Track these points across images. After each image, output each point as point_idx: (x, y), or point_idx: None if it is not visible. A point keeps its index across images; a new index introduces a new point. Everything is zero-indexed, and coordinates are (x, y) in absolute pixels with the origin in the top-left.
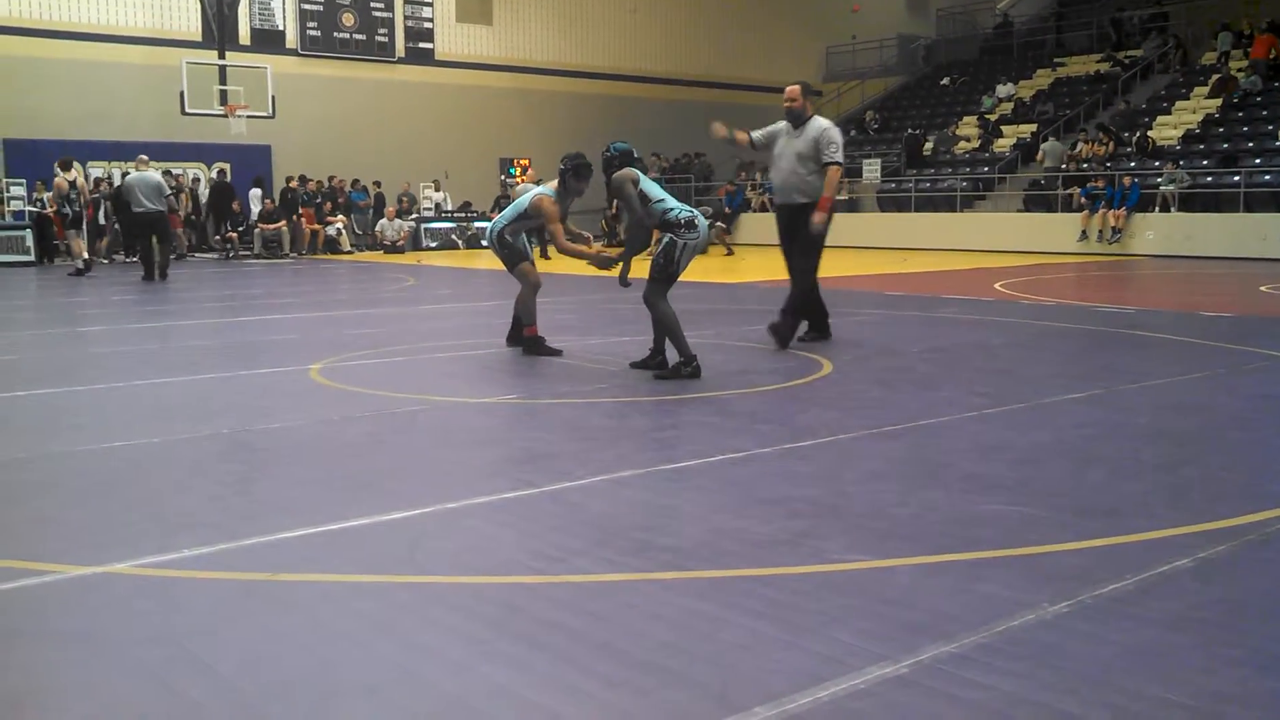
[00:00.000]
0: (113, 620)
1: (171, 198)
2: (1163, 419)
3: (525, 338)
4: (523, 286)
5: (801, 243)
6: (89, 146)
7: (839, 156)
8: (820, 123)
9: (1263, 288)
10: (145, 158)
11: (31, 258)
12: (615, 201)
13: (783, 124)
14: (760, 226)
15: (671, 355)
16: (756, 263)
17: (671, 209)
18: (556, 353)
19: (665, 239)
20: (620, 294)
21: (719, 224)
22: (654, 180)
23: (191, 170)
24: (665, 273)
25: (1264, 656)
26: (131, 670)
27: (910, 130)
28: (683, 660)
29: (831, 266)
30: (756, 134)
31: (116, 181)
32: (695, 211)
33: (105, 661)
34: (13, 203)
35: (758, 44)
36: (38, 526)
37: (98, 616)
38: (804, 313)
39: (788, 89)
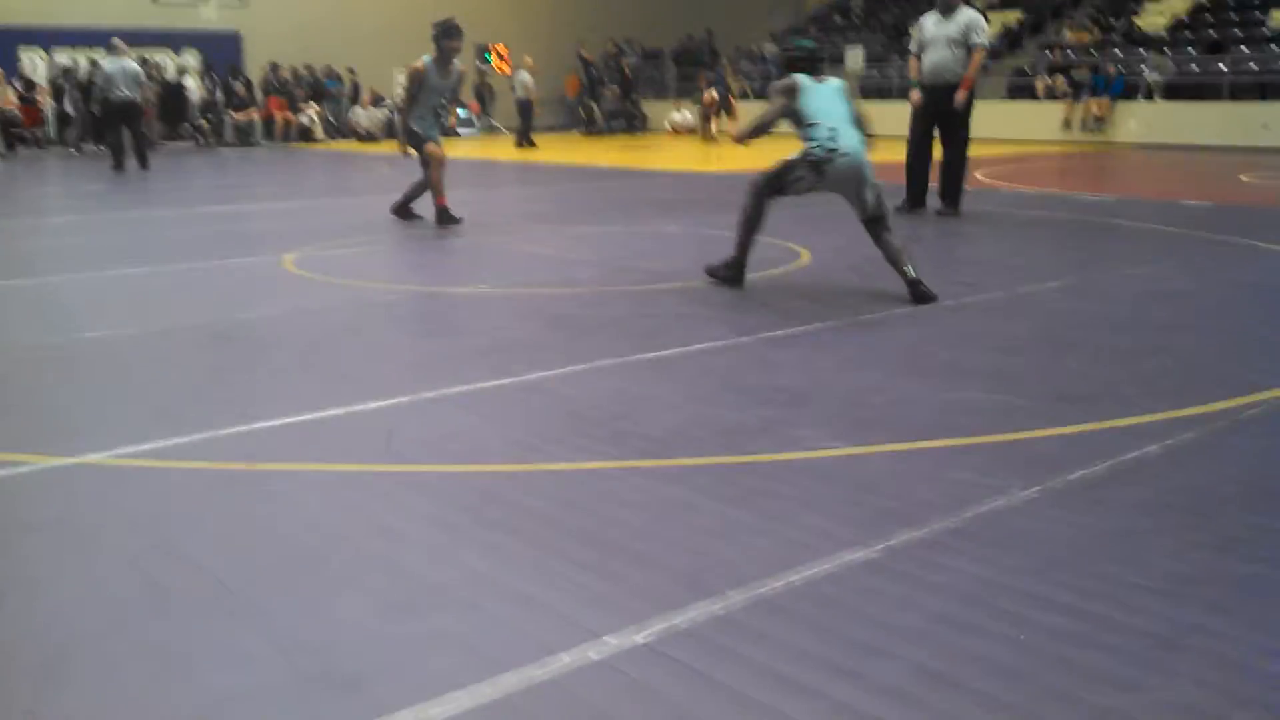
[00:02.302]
0: (88, 510)
1: (146, 86)
2: (1139, 307)
3: (437, 208)
4: (431, 164)
5: (954, 119)
6: (54, 32)
7: (985, 40)
8: (969, 11)
9: (1243, 177)
10: (120, 43)
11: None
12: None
13: (929, 17)
14: (745, 116)
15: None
16: (738, 152)
17: (814, 142)
18: (457, 220)
19: (795, 156)
20: (606, 182)
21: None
22: (836, 93)
23: (161, 57)
24: (768, 177)
25: (1227, 540)
26: (108, 558)
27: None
28: (656, 545)
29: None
30: (912, 48)
31: (84, 68)
32: (848, 150)
33: (81, 550)
34: None
35: None
36: (10, 418)
37: (73, 506)
38: (960, 181)
39: None
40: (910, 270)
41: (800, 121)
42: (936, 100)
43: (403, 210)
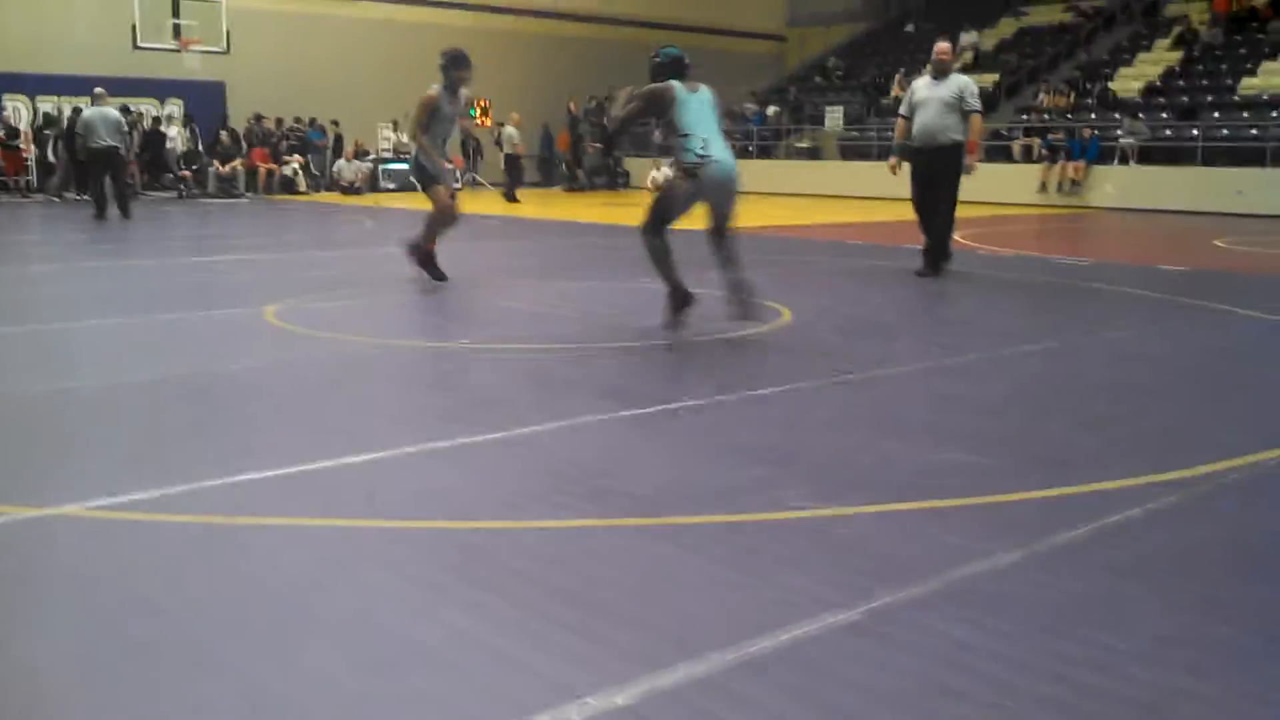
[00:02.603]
0: (62, 563)
1: (127, 134)
2: (1117, 371)
3: (422, 250)
4: (434, 206)
5: (944, 181)
6: (40, 80)
7: (979, 105)
8: (961, 77)
9: (1217, 242)
10: (102, 91)
11: None
12: (581, 140)
13: (921, 80)
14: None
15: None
16: None
17: (688, 151)
18: (443, 277)
19: (669, 181)
20: (588, 237)
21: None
22: (706, 104)
23: (144, 106)
24: (653, 215)
25: (1211, 602)
26: (81, 612)
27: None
28: (640, 605)
29: (791, 215)
30: (903, 111)
31: (68, 116)
32: (719, 158)
33: (54, 604)
34: None
35: None
36: None
37: (47, 559)
38: (945, 247)
39: (938, 46)
40: (743, 281)
41: (674, 131)
42: (929, 161)
43: (428, 264)
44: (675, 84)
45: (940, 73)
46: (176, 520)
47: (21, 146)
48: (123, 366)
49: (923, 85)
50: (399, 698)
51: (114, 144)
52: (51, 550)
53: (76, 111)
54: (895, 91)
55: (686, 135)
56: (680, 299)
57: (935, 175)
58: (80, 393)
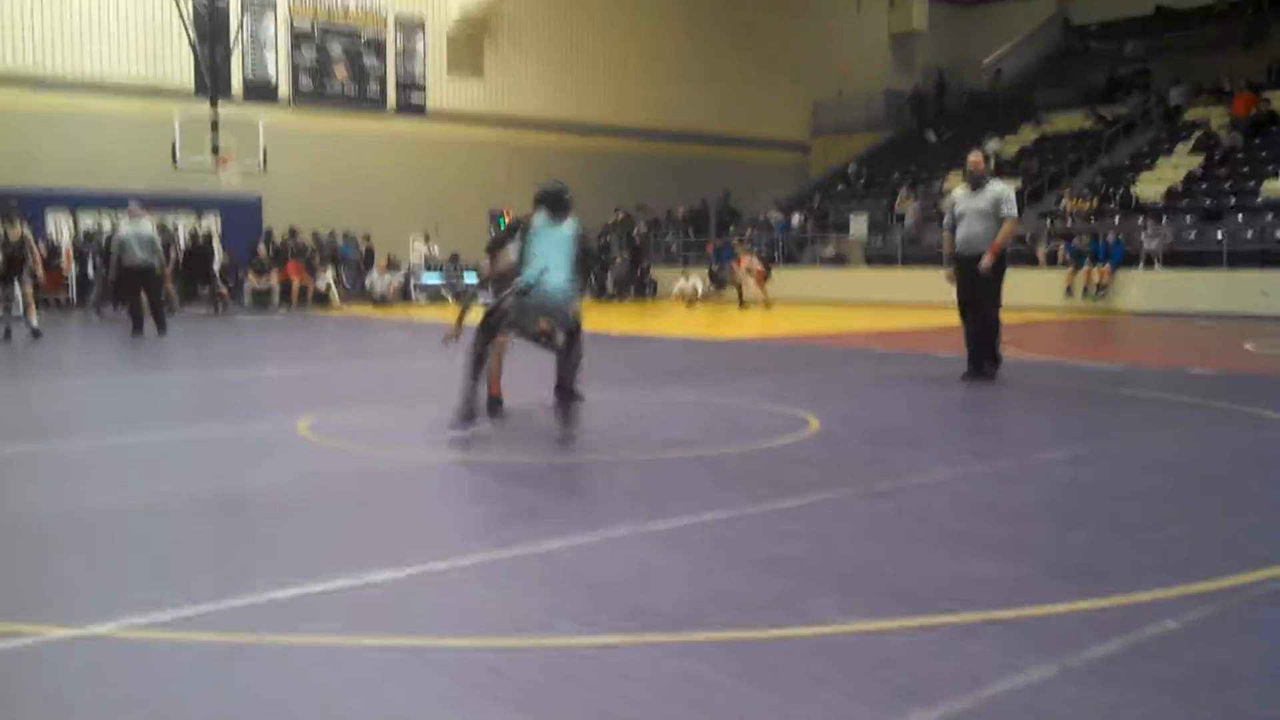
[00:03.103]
0: (93, 684)
1: (160, 250)
2: (1149, 478)
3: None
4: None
5: (985, 287)
6: (82, 196)
7: (1015, 211)
8: (997, 184)
9: (1246, 345)
10: (136, 206)
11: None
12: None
13: (959, 190)
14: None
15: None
16: (746, 317)
17: (526, 277)
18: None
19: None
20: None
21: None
22: (564, 240)
23: (182, 221)
24: (485, 320)
25: (1248, 719)
26: None
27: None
28: None
29: (817, 322)
30: (945, 223)
31: (108, 231)
32: (549, 286)
33: None
34: None
35: (746, 99)
36: (16, 587)
37: (78, 680)
38: (988, 348)
39: (971, 157)
40: (575, 385)
41: (524, 259)
42: (970, 270)
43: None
44: (537, 216)
45: (976, 183)
46: (206, 640)
47: (62, 263)
48: (153, 481)
49: (961, 196)
50: None
51: (149, 260)
52: (78, 672)
53: (113, 229)
54: (900, 203)
55: (531, 260)
56: (469, 409)
57: (977, 283)
58: (110, 510)
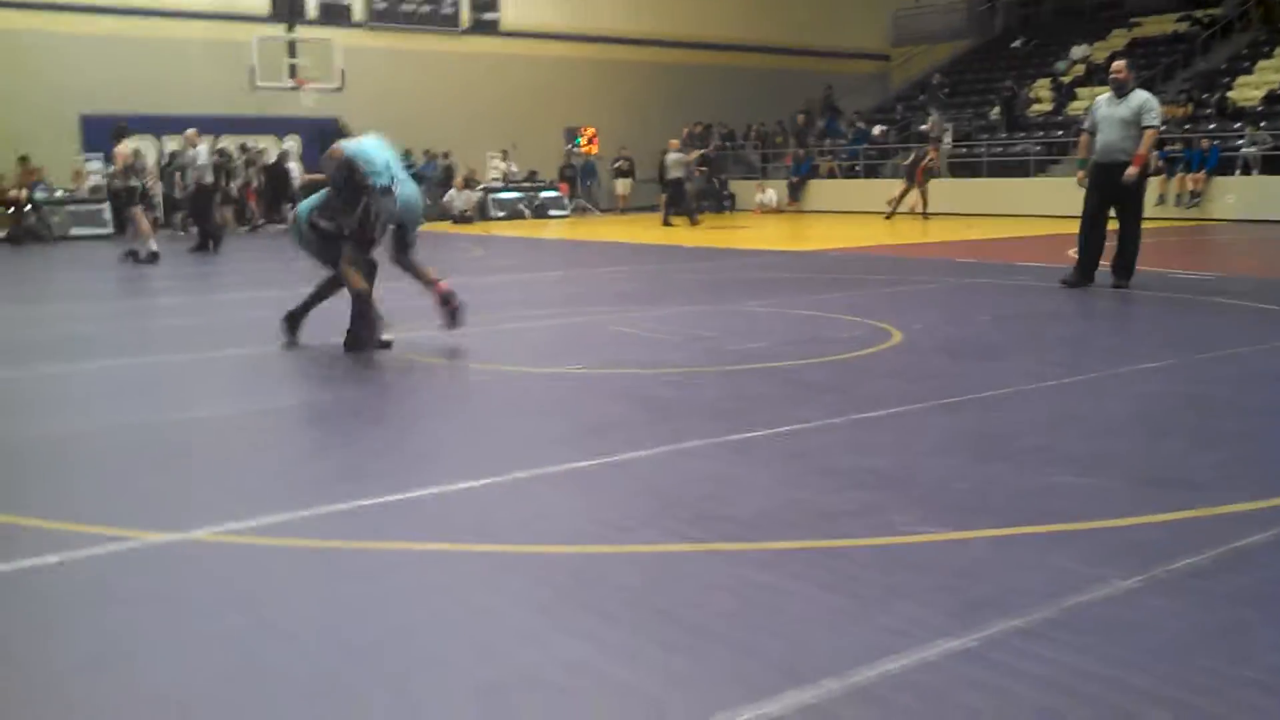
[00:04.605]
0: (193, 586)
1: (212, 171)
2: (1241, 390)
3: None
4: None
5: (1126, 196)
6: (163, 120)
7: (1157, 121)
8: (1141, 93)
9: None
10: (193, 131)
11: (109, 230)
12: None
13: (1102, 97)
14: (831, 194)
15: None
16: (822, 230)
17: (380, 177)
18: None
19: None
20: (679, 263)
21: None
22: (379, 144)
23: (263, 143)
24: (355, 242)
25: None
26: (213, 635)
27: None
28: (749, 632)
29: (900, 234)
30: (1085, 126)
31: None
32: (404, 179)
33: (187, 627)
34: (91, 177)
35: (823, 9)
36: (118, 494)
37: (179, 582)
38: (1131, 262)
39: (1115, 64)
40: (441, 283)
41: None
42: (1110, 177)
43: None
44: (346, 144)
45: (1120, 89)
46: (299, 545)
47: (148, 184)
48: (241, 396)
49: (1104, 102)
50: None
51: (207, 182)
52: (182, 575)
53: (174, 154)
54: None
55: (374, 170)
56: (295, 316)
57: (1117, 191)
58: (199, 422)
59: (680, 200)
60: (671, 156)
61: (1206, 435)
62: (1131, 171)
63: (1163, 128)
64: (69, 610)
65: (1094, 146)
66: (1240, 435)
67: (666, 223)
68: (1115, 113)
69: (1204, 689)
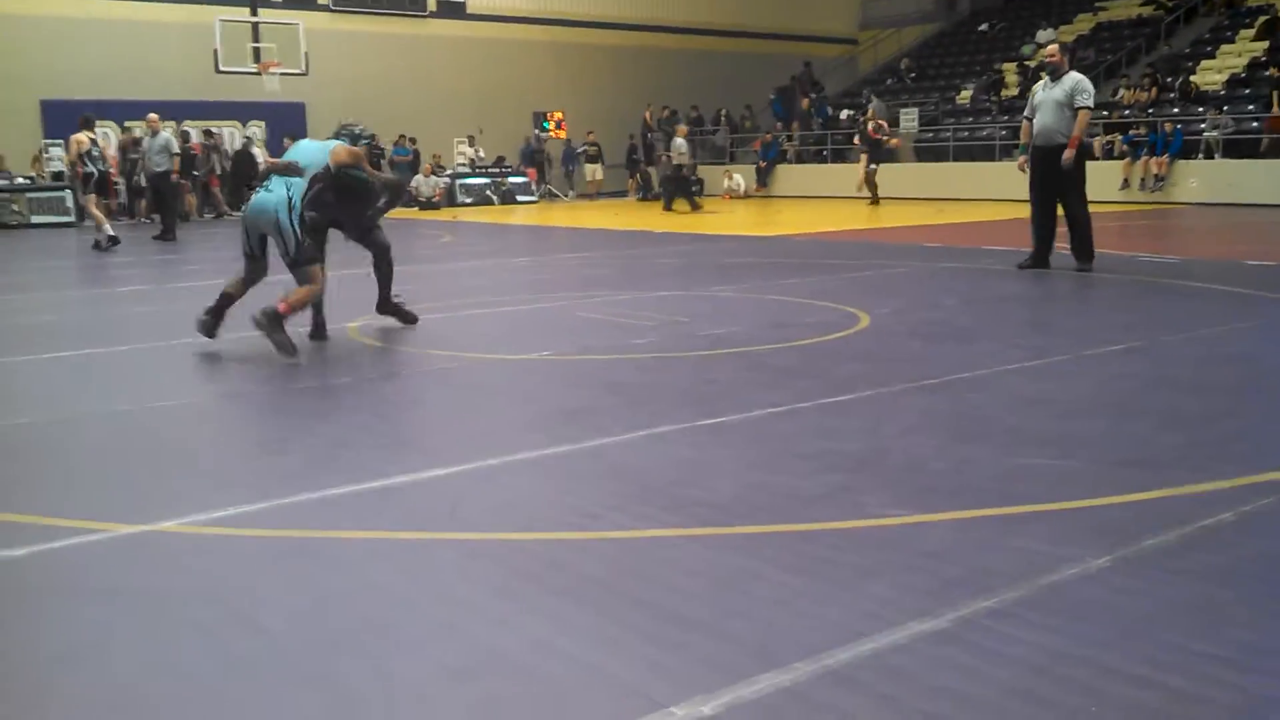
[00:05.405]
0: (162, 578)
1: (178, 158)
2: (1206, 371)
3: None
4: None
5: (1066, 179)
6: (125, 106)
7: (1089, 102)
8: (1074, 75)
9: None
10: (155, 117)
11: (72, 218)
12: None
13: (1040, 82)
14: (798, 178)
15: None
16: (790, 215)
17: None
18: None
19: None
20: (648, 248)
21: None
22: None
23: (227, 129)
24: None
25: None
26: (181, 627)
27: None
28: (721, 615)
29: (868, 218)
30: (1026, 113)
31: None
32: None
33: (155, 619)
34: (52, 164)
35: None
36: (85, 485)
37: (147, 574)
38: (1088, 237)
39: (1049, 48)
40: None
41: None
42: (1049, 161)
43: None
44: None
45: (1053, 74)
46: (267, 535)
47: (110, 171)
48: (206, 384)
49: (1040, 86)
50: (482, 704)
51: (167, 168)
52: (149, 566)
53: (136, 140)
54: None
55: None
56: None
57: (1057, 175)
58: (162, 412)
59: (684, 186)
60: (679, 143)
61: (1173, 416)
62: (1068, 155)
63: (1093, 106)
64: (38, 604)
65: (1033, 131)
66: (1206, 416)
67: (668, 208)
68: (1051, 96)
69: (1174, 666)
